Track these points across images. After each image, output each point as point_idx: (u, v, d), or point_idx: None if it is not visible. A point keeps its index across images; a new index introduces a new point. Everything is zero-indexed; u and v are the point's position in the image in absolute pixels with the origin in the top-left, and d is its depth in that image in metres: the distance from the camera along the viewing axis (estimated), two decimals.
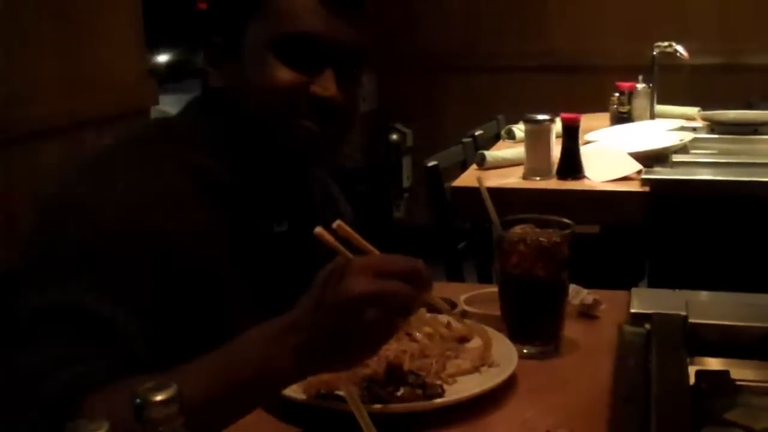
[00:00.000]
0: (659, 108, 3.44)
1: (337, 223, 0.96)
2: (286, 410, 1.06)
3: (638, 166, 2.47)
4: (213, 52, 1.21)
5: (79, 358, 1.00)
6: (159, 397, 0.73)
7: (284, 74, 1.15)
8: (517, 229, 1.25)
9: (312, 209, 1.33)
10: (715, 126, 3.22)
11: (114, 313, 1.03)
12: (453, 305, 1.36)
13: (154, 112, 3.04)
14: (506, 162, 2.69)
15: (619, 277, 2.53)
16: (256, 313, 1.02)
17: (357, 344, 0.93)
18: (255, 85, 1.16)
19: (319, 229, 0.95)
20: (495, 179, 2.52)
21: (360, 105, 1.24)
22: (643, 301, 1.36)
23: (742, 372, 1.18)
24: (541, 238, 1.23)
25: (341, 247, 0.95)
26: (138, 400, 0.73)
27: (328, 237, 0.95)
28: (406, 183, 5.06)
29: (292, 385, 1.02)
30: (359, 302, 0.90)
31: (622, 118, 3.35)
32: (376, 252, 0.99)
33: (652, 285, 2.35)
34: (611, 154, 2.59)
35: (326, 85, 1.16)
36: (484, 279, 2.60)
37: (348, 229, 0.97)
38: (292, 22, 1.15)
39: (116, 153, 1.20)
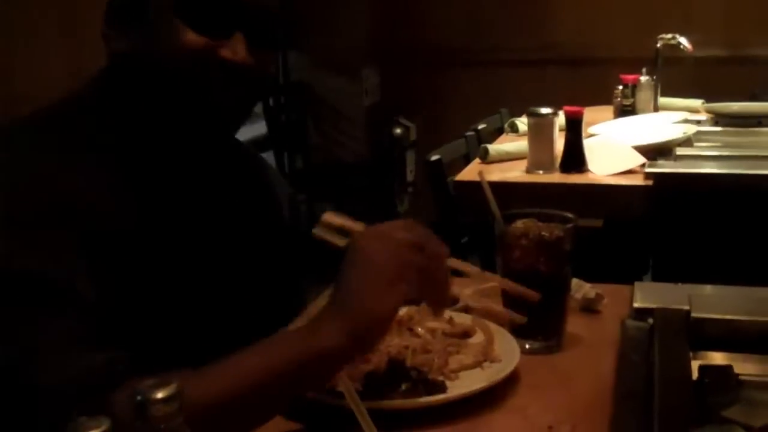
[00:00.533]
0: (663, 100, 3.43)
1: (324, 217, 1.02)
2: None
3: (642, 159, 2.47)
4: (113, 13, 1.15)
5: (97, 343, 0.98)
6: (160, 395, 0.73)
7: (191, 38, 1.10)
8: (519, 224, 1.25)
9: (225, 175, 1.30)
10: (719, 118, 3.21)
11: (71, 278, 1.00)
12: (455, 300, 1.36)
13: None
14: (509, 156, 2.69)
15: (623, 270, 2.52)
16: (179, 278, 1.05)
17: (386, 283, 0.97)
18: (162, 49, 1.11)
19: (315, 231, 1.01)
20: (498, 173, 2.52)
21: (271, 71, 1.20)
22: (646, 295, 1.35)
23: (745, 366, 1.18)
24: (543, 233, 1.22)
25: (345, 226, 1.01)
26: (139, 398, 0.73)
27: (334, 220, 1.01)
28: (409, 177, 5.05)
29: (344, 366, 0.99)
30: (400, 245, 0.98)
31: (625, 110, 3.35)
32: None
33: (656, 279, 2.35)
34: (615, 147, 2.58)
35: (235, 49, 1.11)
36: None
37: (335, 217, 1.02)
38: None
39: (19, 125, 1.15)
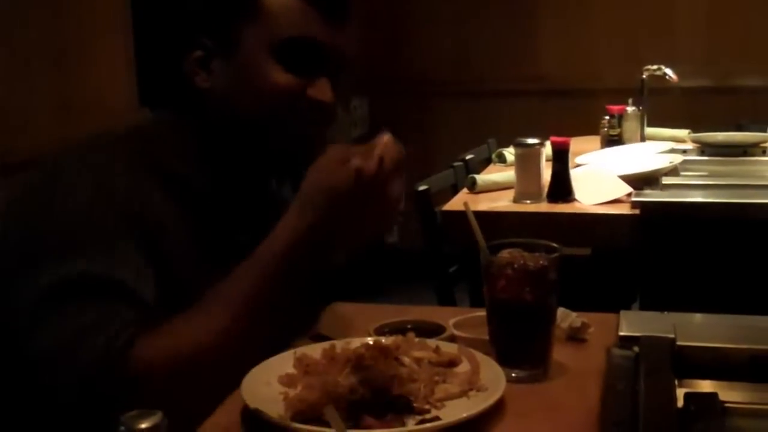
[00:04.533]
0: (649, 130, 3.46)
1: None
2: None
3: (628, 189, 2.48)
4: (201, 53, 1.23)
5: (111, 317, 1.07)
6: (144, 425, 0.73)
7: (284, 78, 1.20)
8: (505, 254, 1.25)
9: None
10: (705, 148, 3.24)
11: (123, 273, 1.10)
12: (442, 329, 1.36)
13: None
14: (497, 186, 2.70)
15: (612, 299, 2.53)
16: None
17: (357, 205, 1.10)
18: (253, 88, 1.21)
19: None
20: (486, 203, 2.53)
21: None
22: (632, 323, 1.36)
23: (730, 394, 1.18)
24: (528, 263, 1.23)
25: None
26: (122, 428, 0.73)
27: None
28: None
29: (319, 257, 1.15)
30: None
31: (612, 141, 3.37)
32: None
33: (643, 307, 2.35)
34: (601, 177, 2.60)
35: (324, 90, 1.23)
36: (476, 303, 2.58)
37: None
38: (292, 27, 1.20)
39: (87, 146, 1.24)
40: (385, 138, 1.11)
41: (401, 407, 1.09)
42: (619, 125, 3.38)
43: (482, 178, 2.73)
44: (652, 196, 2.47)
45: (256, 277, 1.12)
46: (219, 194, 1.26)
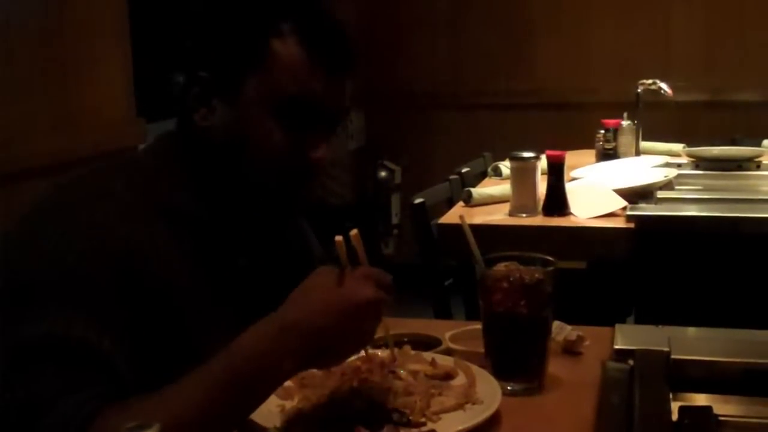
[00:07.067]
0: (644, 144, 3.46)
1: (353, 232, 1.09)
2: None
3: (623, 203, 2.49)
4: (201, 88, 1.19)
5: (75, 388, 1.01)
6: None
7: (281, 139, 1.17)
8: (501, 267, 1.26)
9: (277, 245, 1.37)
10: (699, 162, 3.25)
11: (100, 338, 1.04)
12: (438, 342, 1.37)
13: None
14: (492, 199, 2.70)
15: (607, 312, 2.53)
16: (217, 341, 1.04)
17: (351, 344, 1.07)
18: (250, 143, 1.17)
19: (339, 238, 1.07)
20: (481, 216, 2.54)
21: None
22: (627, 337, 1.36)
23: (724, 407, 1.19)
24: (523, 276, 1.23)
25: (346, 259, 1.07)
26: None
27: (343, 248, 1.07)
28: (394, 220, 5.07)
29: (285, 382, 1.07)
30: (368, 306, 1.03)
31: (607, 154, 3.38)
32: (367, 264, 1.10)
33: (639, 321, 2.36)
34: (596, 190, 2.60)
35: (321, 152, 1.20)
36: (472, 316, 2.59)
37: (359, 240, 1.10)
38: (297, 85, 1.16)
39: (80, 181, 1.20)
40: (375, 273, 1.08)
41: (397, 420, 1.09)
42: (615, 139, 3.39)
43: (478, 191, 2.74)
44: (647, 210, 2.48)
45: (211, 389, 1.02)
46: (217, 221, 1.23)
